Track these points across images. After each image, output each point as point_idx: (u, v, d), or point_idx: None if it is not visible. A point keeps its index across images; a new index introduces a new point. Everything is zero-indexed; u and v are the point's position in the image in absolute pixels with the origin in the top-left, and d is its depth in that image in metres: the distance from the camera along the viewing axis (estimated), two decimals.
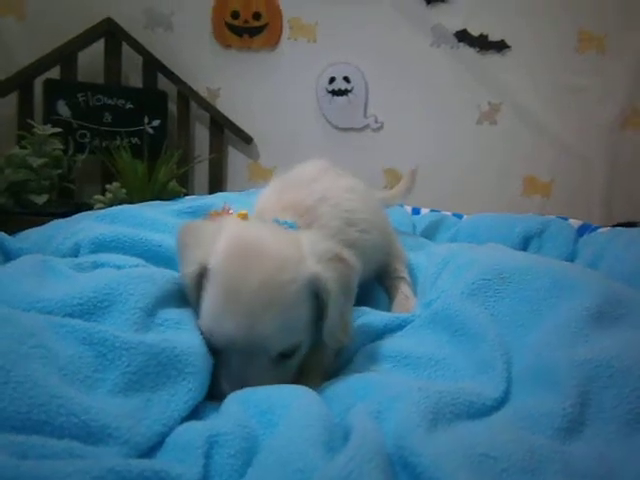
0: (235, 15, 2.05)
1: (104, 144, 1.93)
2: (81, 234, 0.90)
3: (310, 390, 0.55)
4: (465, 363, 0.67)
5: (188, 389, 0.52)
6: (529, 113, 2.02)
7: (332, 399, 0.57)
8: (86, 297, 0.58)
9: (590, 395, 0.52)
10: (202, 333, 0.58)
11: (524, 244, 1.29)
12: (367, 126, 2.10)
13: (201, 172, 2.11)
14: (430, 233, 1.46)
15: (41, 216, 1.53)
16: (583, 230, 1.38)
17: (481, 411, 0.56)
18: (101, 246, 0.86)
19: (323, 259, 0.60)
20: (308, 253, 0.60)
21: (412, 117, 2.07)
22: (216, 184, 2.10)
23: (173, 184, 1.80)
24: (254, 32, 2.05)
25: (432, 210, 1.61)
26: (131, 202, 1.24)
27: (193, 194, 1.91)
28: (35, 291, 0.59)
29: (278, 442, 0.45)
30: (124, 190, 1.64)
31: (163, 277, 0.66)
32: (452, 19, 1.99)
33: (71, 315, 0.56)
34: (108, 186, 1.64)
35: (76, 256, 0.86)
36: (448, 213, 1.58)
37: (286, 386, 0.55)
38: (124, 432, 0.44)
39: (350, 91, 2.05)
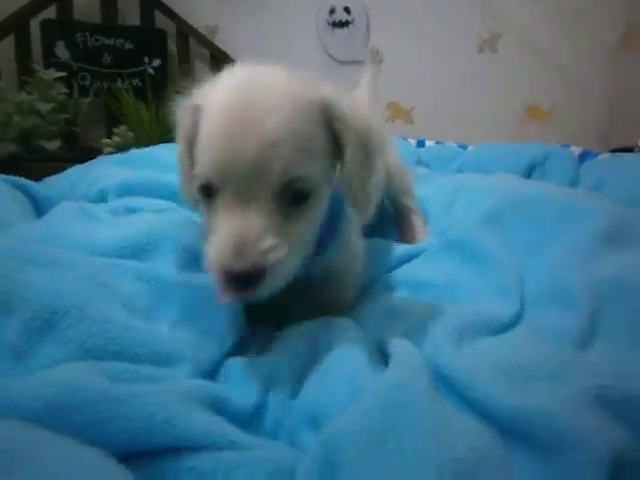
0: None
1: (105, 86, 1.87)
2: (106, 180, 0.91)
3: (348, 321, 0.57)
4: (480, 287, 0.70)
5: (235, 321, 0.56)
6: (530, 40, 1.96)
7: (367, 321, 0.61)
8: (132, 240, 0.61)
9: (602, 311, 0.56)
10: (200, 183, 0.49)
11: (528, 172, 1.31)
12: None
13: None
14: (436, 165, 1.46)
15: (51, 162, 1.52)
16: (584, 157, 1.39)
17: (500, 328, 0.60)
18: (126, 191, 0.88)
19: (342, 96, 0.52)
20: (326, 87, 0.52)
21: (413, 48, 2.01)
22: None
23: None
24: None
25: (437, 142, 1.60)
26: (139, 145, 1.23)
27: None
28: (85, 236, 0.62)
29: (324, 366, 0.48)
30: (131, 133, 1.62)
31: (195, 223, 0.69)
32: None
33: (120, 257, 0.59)
34: (116, 130, 1.62)
35: (104, 201, 0.87)
36: (453, 144, 1.58)
37: (327, 321, 0.56)
38: (190, 358, 0.48)
39: (351, 22, 1.97)
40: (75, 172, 1.04)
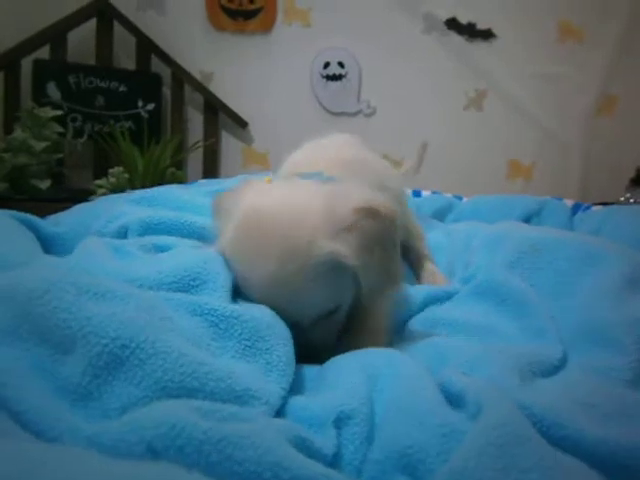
0: None
1: (97, 128, 1.87)
2: (126, 217, 0.89)
3: (401, 354, 0.57)
4: (516, 329, 0.71)
5: (292, 353, 0.53)
6: (513, 100, 2.10)
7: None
8: (179, 275, 0.59)
9: None
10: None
11: (525, 222, 1.36)
12: (360, 111, 2.12)
13: (195, 157, 2.08)
14: (436, 214, 1.50)
15: (41, 201, 1.48)
16: (576, 209, 1.46)
17: (552, 370, 0.60)
18: (148, 229, 0.86)
19: (341, 227, 0.54)
20: (324, 223, 0.54)
21: (403, 103, 2.11)
22: (211, 169, 2.07)
23: (173, 170, 1.77)
24: (249, 15, 2.02)
25: (433, 192, 1.65)
26: (133, 188, 1.22)
27: (188, 180, 1.89)
28: (124, 271, 0.59)
29: (399, 404, 0.47)
30: (126, 175, 1.60)
31: None
32: (442, 7, 2.03)
33: (168, 292, 0.57)
34: (111, 170, 1.60)
35: (124, 238, 0.85)
36: (449, 195, 1.63)
37: (376, 351, 0.57)
38: (264, 393, 0.45)
39: (344, 76, 2.06)
40: (83, 210, 1.01)
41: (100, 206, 1.01)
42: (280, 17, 2.05)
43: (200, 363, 0.44)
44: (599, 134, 2.09)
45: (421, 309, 0.81)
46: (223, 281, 0.60)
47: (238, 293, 0.61)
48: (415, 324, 0.76)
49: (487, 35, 2.05)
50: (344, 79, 2.07)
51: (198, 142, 2.00)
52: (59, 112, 1.59)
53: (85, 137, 1.78)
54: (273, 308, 0.54)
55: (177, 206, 0.96)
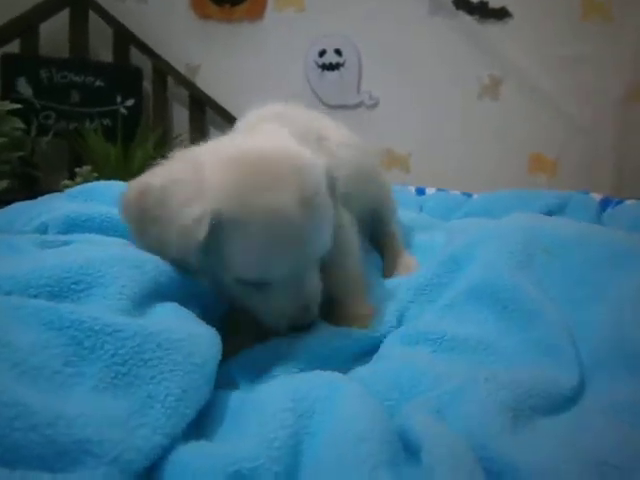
0: None
1: (72, 126, 1.78)
2: (49, 213, 0.78)
3: (350, 380, 0.46)
4: (522, 346, 0.59)
5: (198, 384, 0.41)
6: (532, 87, 1.95)
7: (373, 394, 0.47)
8: (57, 276, 0.47)
9: None
10: (238, 280, 0.54)
11: None
12: (361, 103, 2.00)
13: None
14: (440, 213, 1.37)
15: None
16: (606, 204, 1.31)
17: (560, 403, 0.47)
18: (74, 226, 0.74)
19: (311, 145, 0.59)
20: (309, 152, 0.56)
21: (409, 92, 1.98)
22: None
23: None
24: (236, 1, 1.93)
25: (438, 189, 1.52)
26: None
27: None
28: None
29: (326, 465, 0.34)
30: (95, 174, 1.50)
31: (154, 265, 0.55)
32: None
33: (36, 297, 0.44)
34: (78, 169, 1.50)
35: None
36: (456, 192, 1.49)
37: (321, 375, 0.46)
38: (111, 447, 0.32)
39: (342, 65, 1.95)
40: (15, 208, 0.90)
41: (40, 203, 0.91)
42: (271, 2, 1.94)
43: (12, 404, 0.31)
44: (632, 122, 1.92)
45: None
46: (120, 286, 0.48)
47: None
48: (392, 339, 0.62)
49: (501, 14, 1.90)
50: (342, 68, 1.95)
51: (180, 135, 1.90)
52: (18, 105, 1.50)
53: (50, 134, 1.68)
54: (298, 260, 0.53)
55: (114, 201, 0.85)
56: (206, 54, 1.97)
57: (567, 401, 0.47)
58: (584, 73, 1.92)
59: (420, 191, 1.53)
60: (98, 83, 1.83)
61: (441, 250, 0.80)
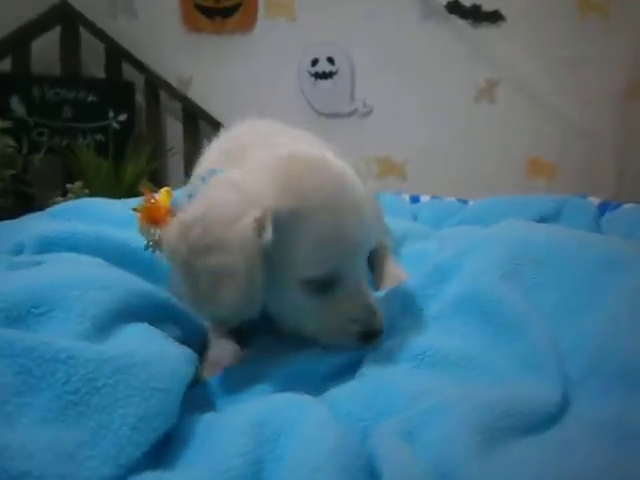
0: None
1: (64, 142, 1.78)
2: (27, 232, 0.77)
3: (319, 402, 0.45)
4: (507, 360, 0.57)
5: (158, 410, 0.40)
6: (529, 88, 1.93)
7: (344, 415, 0.46)
8: (16, 299, 0.46)
9: None
10: (304, 282, 0.53)
11: None
12: (355, 111, 2.00)
13: (176, 168, 1.97)
14: (434, 222, 1.35)
15: None
16: (604, 208, 1.28)
17: (542, 422, 0.45)
18: (51, 245, 0.74)
19: None
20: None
21: (404, 99, 1.97)
22: None
23: (145, 182, 1.66)
24: (227, 13, 1.94)
25: (433, 197, 1.50)
26: None
27: None
28: None
29: None
30: (87, 190, 1.50)
31: (123, 285, 0.54)
32: None
33: None
34: (69, 186, 1.50)
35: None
36: (452, 199, 1.47)
37: (291, 396, 0.45)
38: None
39: (335, 73, 1.94)
40: (2, 228, 0.90)
41: (20, 223, 0.91)
42: (262, 12, 1.95)
43: None
44: (632, 122, 1.89)
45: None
46: (82, 309, 0.47)
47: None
48: (372, 356, 0.60)
49: (494, 17, 1.89)
50: (335, 77, 1.95)
51: (172, 148, 1.89)
52: (8, 123, 1.50)
53: (43, 151, 1.69)
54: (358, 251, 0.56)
55: (100, 219, 0.85)
56: (198, 67, 1.97)
57: (551, 419, 0.46)
58: (582, 73, 1.90)
59: (415, 199, 1.51)
60: (90, 98, 1.84)
61: (429, 260, 0.79)
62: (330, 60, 1.94)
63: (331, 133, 2.05)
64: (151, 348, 0.47)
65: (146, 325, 0.52)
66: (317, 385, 0.53)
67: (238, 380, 0.55)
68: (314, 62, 1.95)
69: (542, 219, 1.22)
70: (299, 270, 0.52)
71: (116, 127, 1.85)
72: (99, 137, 1.85)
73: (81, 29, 1.84)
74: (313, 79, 1.96)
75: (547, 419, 0.45)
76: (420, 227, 1.19)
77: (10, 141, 1.49)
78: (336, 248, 0.53)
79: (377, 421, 0.46)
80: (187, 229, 0.51)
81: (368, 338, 0.56)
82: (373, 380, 0.53)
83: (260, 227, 0.49)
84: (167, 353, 0.47)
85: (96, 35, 1.84)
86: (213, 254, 0.49)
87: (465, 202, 1.44)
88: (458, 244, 0.80)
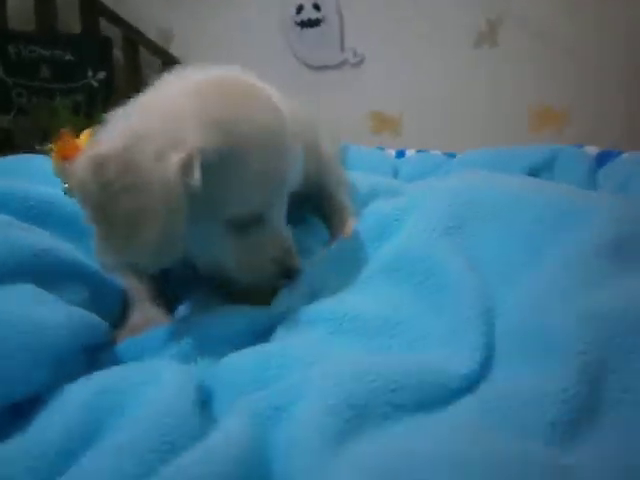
0: None
1: (43, 103, 1.74)
2: None
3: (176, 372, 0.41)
4: (433, 325, 0.53)
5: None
6: (536, 28, 1.78)
7: (224, 383, 0.43)
8: None
9: (606, 365, 0.35)
10: (230, 221, 0.52)
11: None
12: (345, 61, 1.89)
13: None
14: (417, 177, 1.27)
15: None
16: (603, 158, 1.18)
17: (440, 398, 0.40)
18: None
19: None
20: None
21: (398, 46, 1.86)
22: None
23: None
24: None
25: (418, 151, 1.42)
26: None
27: None
28: None
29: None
30: None
31: (8, 243, 0.49)
32: None
33: None
34: (38, 147, 1.46)
35: None
36: (438, 152, 1.39)
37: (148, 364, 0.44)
38: None
39: (322, 21, 1.83)
40: None
41: None
42: None
43: None
44: None
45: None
46: None
47: None
48: (294, 317, 0.55)
49: None
50: (322, 24, 1.84)
51: None
52: None
53: (13, 113, 1.65)
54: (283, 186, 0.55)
55: (28, 176, 0.80)
56: (178, 20, 1.89)
57: (453, 394, 0.40)
58: (593, 4, 1.73)
59: (400, 154, 1.43)
60: (68, 57, 1.77)
61: (371, 217, 0.72)
62: (316, 6, 1.82)
63: (321, 86, 1.94)
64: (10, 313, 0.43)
65: (30, 287, 0.48)
66: (235, 348, 0.49)
67: (153, 342, 0.52)
68: (299, 9, 1.84)
69: (531, 172, 1.14)
70: (226, 210, 0.51)
71: (95, 85, 1.79)
72: (79, 98, 1.79)
73: None
74: (299, 28, 1.85)
75: (444, 397, 0.39)
76: (393, 183, 1.11)
77: None
78: (265, 187, 0.52)
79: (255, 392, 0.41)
80: (98, 165, 0.46)
81: (286, 276, 0.56)
82: (276, 346, 0.48)
83: (186, 169, 0.45)
84: (28, 318, 0.43)
85: None
86: (128, 195, 0.45)
87: (453, 156, 1.35)
88: (404, 199, 0.74)
